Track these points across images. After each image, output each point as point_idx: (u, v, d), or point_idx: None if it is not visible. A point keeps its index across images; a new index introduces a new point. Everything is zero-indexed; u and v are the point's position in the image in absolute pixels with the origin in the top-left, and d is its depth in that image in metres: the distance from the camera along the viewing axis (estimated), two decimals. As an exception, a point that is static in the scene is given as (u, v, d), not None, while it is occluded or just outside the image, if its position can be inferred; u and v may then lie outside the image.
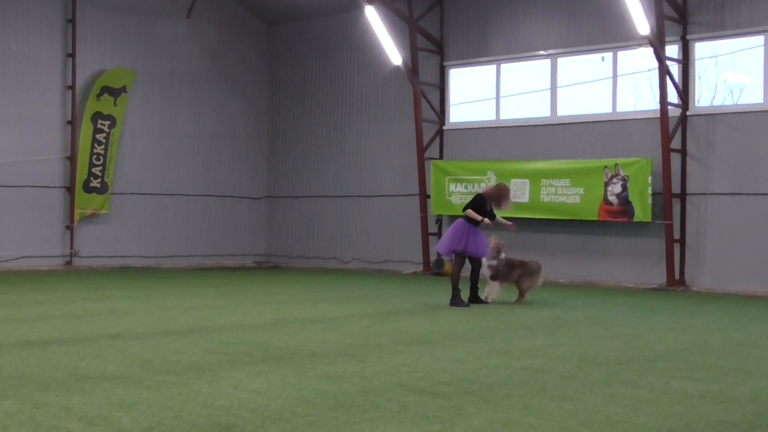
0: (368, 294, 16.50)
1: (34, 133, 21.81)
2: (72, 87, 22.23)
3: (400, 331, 10.90)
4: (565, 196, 19.73)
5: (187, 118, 24.49)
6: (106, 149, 22.62)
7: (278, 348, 9.25)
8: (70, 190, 22.22)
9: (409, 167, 22.78)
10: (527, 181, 20.28)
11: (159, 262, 23.69)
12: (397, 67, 22.21)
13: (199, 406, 6.35)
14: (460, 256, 14.14)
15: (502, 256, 14.42)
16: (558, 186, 19.83)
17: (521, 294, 14.61)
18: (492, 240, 14.52)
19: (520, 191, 20.36)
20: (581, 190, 19.46)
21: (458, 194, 21.36)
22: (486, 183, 20.94)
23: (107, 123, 22.63)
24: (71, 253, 22.28)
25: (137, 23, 23.49)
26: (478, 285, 14.50)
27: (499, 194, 14.30)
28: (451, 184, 21.52)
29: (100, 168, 22.55)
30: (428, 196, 22.16)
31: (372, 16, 21.50)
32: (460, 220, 14.23)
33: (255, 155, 25.91)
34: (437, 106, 22.41)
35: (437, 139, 22.47)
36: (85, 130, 22.29)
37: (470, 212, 13.99)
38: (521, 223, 20.75)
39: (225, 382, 7.30)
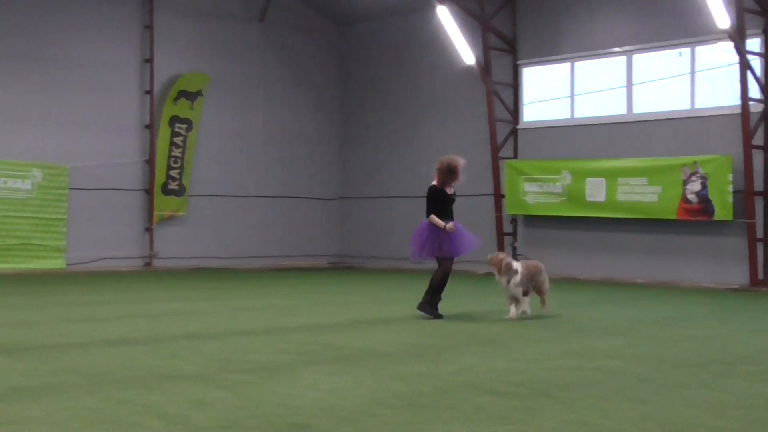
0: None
1: (114, 137, 22.29)
2: (150, 91, 22.67)
3: (473, 331, 10.87)
4: (642, 194, 19.42)
5: (260, 120, 24.76)
6: (183, 152, 23.01)
7: (352, 348, 9.29)
8: (149, 192, 22.65)
9: (481, 167, 22.64)
10: (603, 180, 20.02)
11: (234, 263, 23.98)
12: (469, 67, 22.13)
13: (274, 405, 6.41)
14: (441, 259, 12.28)
15: (516, 267, 12.09)
16: (635, 184, 19.54)
17: (543, 299, 12.68)
18: (497, 257, 12.27)
19: (596, 190, 20.13)
20: (659, 189, 19.14)
21: (533, 194, 21.21)
22: (561, 182, 20.76)
23: (184, 126, 23.01)
24: (150, 254, 22.71)
25: (212, 28, 23.84)
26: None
27: (450, 172, 12.22)
28: (525, 184, 21.37)
29: (178, 171, 22.94)
30: (502, 196, 22.04)
31: (444, 15, 21.46)
32: (423, 222, 12.39)
33: (328, 156, 26.07)
34: (510, 105, 22.27)
35: (511, 139, 22.33)
36: (163, 133, 22.70)
37: (434, 219, 12.13)
38: (597, 223, 20.56)
39: (299, 381, 7.36)
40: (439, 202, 12.18)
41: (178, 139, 22.91)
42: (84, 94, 21.80)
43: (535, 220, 21.78)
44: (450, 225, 12.03)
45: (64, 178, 21.36)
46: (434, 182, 12.28)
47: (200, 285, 18.20)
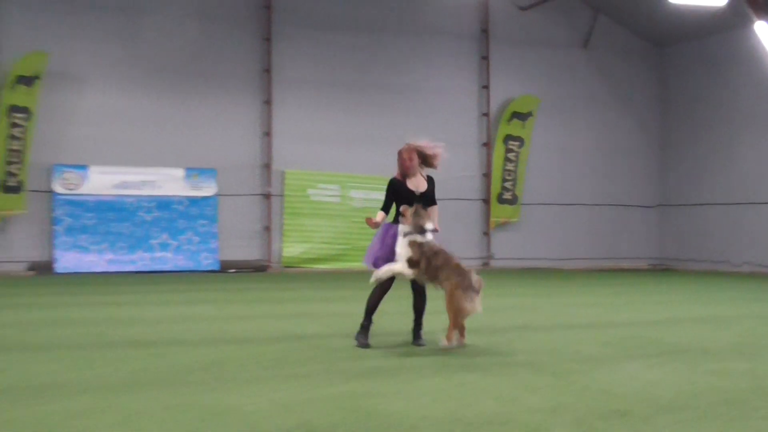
0: (759, 295, 15.25)
1: (457, 153, 22.88)
2: (487, 114, 23.13)
3: (793, 332, 9.96)
4: None
5: (585, 136, 24.39)
6: (515, 166, 23.23)
7: (671, 343, 8.87)
8: (486, 201, 23.11)
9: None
10: None
11: (561, 264, 23.78)
12: (789, 78, 20.37)
13: (597, 392, 6.27)
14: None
15: (429, 233, 8.62)
16: None
17: (455, 321, 8.29)
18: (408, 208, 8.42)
19: None
20: None
21: None
22: None
23: (517, 143, 23.21)
24: (488, 255, 23.13)
25: (540, 55, 23.84)
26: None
27: (400, 161, 8.79)
28: None
29: (511, 182, 23.19)
30: (823, 202, 20.08)
31: (761, 30, 19.89)
32: (385, 223, 8.72)
33: (647, 168, 25.13)
34: (832, 114, 20.22)
35: (832, 146, 20.28)
36: (498, 150, 23.05)
37: (378, 215, 8.60)
38: None
39: (621, 372, 7.15)
40: (396, 197, 8.68)
41: (511, 155, 23.17)
42: (431, 117, 22.63)
43: None
44: (370, 221, 8.43)
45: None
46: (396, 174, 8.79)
47: (531, 283, 18.23)
